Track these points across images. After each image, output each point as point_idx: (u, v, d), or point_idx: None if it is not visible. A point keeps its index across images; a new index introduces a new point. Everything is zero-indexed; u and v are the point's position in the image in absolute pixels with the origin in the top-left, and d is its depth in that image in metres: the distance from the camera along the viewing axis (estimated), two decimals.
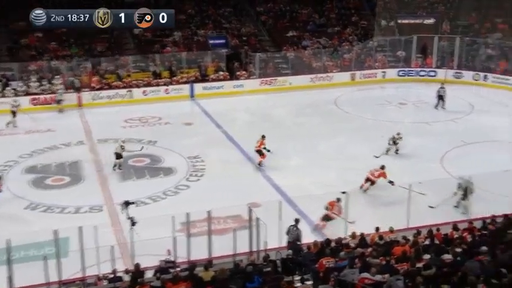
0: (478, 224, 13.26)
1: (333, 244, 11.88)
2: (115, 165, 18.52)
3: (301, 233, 13.06)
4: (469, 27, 33.04)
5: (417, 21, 33.23)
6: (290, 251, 11.70)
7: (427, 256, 10.88)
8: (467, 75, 30.24)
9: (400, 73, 31.27)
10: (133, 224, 12.31)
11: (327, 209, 14.47)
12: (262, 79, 29.21)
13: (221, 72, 28.94)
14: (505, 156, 19.41)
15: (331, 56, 31.24)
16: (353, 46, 31.74)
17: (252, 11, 34.14)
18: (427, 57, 31.81)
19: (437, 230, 12.65)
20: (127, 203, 13.06)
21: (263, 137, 19.14)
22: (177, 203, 15.80)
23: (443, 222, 13.60)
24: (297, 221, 13.34)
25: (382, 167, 16.94)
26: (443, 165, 18.87)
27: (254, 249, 12.28)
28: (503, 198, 15.32)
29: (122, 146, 18.51)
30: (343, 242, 12.16)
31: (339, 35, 32.91)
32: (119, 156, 18.51)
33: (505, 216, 13.25)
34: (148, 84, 27.64)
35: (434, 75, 30.83)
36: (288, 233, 13.19)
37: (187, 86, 27.70)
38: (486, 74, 29.85)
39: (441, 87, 26.13)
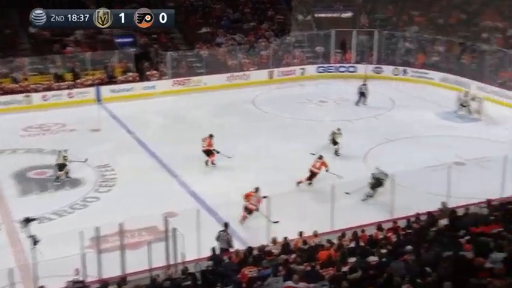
0: (402, 223, 13.70)
1: (255, 252, 11.94)
2: (57, 178, 18.17)
3: (231, 238, 13.23)
4: (387, 21, 34.21)
5: (334, 15, 34.05)
6: (210, 262, 11.64)
7: (352, 259, 11.13)
8: (387, 69, 31.33)
9: (320, 69, 31.97)
10: (35, 242, 11.82)
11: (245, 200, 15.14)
12: (175, 79, 29.04)
13: (130, 73, 28.49)
14: (426, 152, 20.24)
15: (247, 53, 31.46)
16: (270, 42, 32.04)
17: (162, 6, 33.23)
18: (346, 52, 32.70)
19: (362, 231, 12.99)
20: (27, 220, 12.37)
21: (211, 136, 19.21)
22: (86, 217, 15.45)
23: (368, 223, 13.98)
24: (226, 225, 13.48)
25: (320, 157, 17.94)
26: (366, 163, 19.48)
27: (171, 262, 12.16)
28: (426, 196, 16.04)
29: (64, 156, 18.45)
30: (266, 249, 12.22)
31: (255, 30, 33.13)
32: (61, 167, 18.28)
33: (429, 213, 13.80)
34: (49, 88, 26.84)
35: (354, 71, 31.78)
36: (218, 238, 13.27)
37: (92, 89, 27.09)
38: (405, 68, 31.05)
39: (363, 84, 26.97)
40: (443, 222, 13.14)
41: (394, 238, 12.50)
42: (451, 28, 32.20)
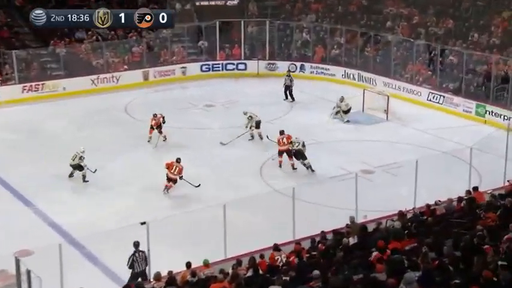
0: (306, 244, 13.95)
1: None
2: (84, 177, 19.40)
3: (147, 256, 13.57)
4: (280, 8, 35.11)
5: (218, 2, 34.29)
6: None
7: None
8: (282, 66, 31.90)
9: (204, 68, 32.21)
10: None
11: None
12: (25, 84, 28.27)
13: None
14: (329, 160, 20.93)
15: (115, 50, 31.15)
16: (142, 37, 31.81)
17: None
18: (234, 46, 33.07)
19: (261, 257, 13.14)
20: None
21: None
22: None
23: (267, 246, 14.03)
24: (137, 244, 13.51)
25: (282, 132, 20.71)
26: (262, 176, 19.92)
27: None
28: (332, 210, 16.65)
29: (81, 156, 19.49)
30: (147, 286, 12.14)
31: None
32: (76, 167, 19.45)
33: (335, 231, 14.21)
34: None
35: (245, 69, 32.30)
36: (133, 262, 13.46)
37: None
38: (303, 63, 31.98)
39: (287, 76, 28.03)
40: (353, 240, 13.45)
41: (297, 262, 12.63)
42: (352, 16, 33.53)
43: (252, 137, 22.90)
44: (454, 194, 15.77)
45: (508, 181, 17.14)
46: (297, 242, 14.14)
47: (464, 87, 26.75)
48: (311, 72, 31.65)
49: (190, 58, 32.50)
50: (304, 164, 20.28)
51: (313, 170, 20.04)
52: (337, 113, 25.75)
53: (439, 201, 15.68)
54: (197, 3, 34.22)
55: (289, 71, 29.61)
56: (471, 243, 11.66)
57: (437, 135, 23.70)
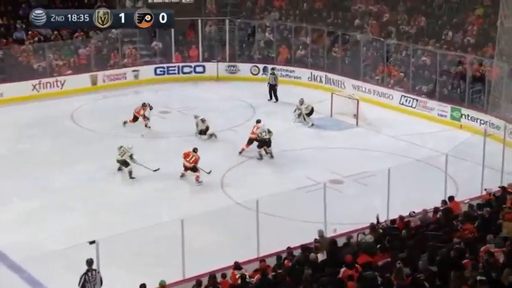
0: (271, 261, 13.85)
1: None
2: (130, 173, 20.73)
3: (101, 276, 13.39)
4: (240, 6, 34.82)
5: (173, 0, 33.89)
6: None
7: None
8: (244, 68, 32.16)
9: (158, 71, 32.15)
10: None
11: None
12: None
13: None
14: (295, 169, 21.07)
15: (59, 52, 30.75)
16: (90, 37, 31.50)
17: None
18: (191, 48, 32.98)
19: (223, 276, 13.17)
20: None
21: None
22: None
23: (229, 265, 13.94)
24: (90, 262, 13.24)
25: (258, 121, 22.91)
26: (224, 189, 19.92)
27: None
28: (299, 224, 16.76)
29: (131, 154, 20.77)
30: None
31: None
32: (123, 163, 20.83)
33: (303, 246, 14.21)
34: None
35: (203, 72, 32.20)
36: (84, 282, 13.23)
37: None
38: (266, 65, 31.76)
39: (271, 74, 28.45)
40: (322, 256, 13.50)
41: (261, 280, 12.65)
42: (318, 14, 33.62)
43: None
44: (429, 205, 15.92)
45: (485, 190, 17.42)
46: (262, 260, 14.08)
47: (439, 90, 27.04)
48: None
49: (143, 60, 32.33)
50: (267, 152, 22.47)
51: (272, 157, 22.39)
52: (299, 115, 26.01)
53: (414, 212, 15.84)
54: (149, 1, 33.14)
55: (273, 69, 29.66)
56: (448, 257, 11.87)
57: (411, 141, 23.87)
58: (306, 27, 32.20)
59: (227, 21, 32.93)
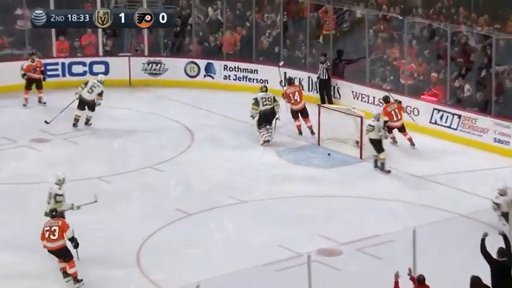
0: None
1: None
2: (84, 121, 24.62)
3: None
4: None
5: None
6: None
7: None
8: (174, 66, 30.84)
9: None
10: None
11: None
12: None
13: None
14: (264, 232, 19.82)
15: None
16: None
17: None
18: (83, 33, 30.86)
19: None
20: None
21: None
22: None
23: None
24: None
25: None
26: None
27: None
28: None
29: (92, 87, 24.70)
30: None
31: None
32: (87, 105, 24.75)
33: None
34: None
35: (105, 73, 30.26)
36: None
37: None
38: (210, 61, 30.47)
39: (322, 61, 27.07)
40: None
41: None
42: None
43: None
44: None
45: None
46: None
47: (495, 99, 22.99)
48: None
49: None
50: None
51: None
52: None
53: None
54: None
55: (325, 55, 28.33)
56: None
57: (450, 185, 22.01)
58: None
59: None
